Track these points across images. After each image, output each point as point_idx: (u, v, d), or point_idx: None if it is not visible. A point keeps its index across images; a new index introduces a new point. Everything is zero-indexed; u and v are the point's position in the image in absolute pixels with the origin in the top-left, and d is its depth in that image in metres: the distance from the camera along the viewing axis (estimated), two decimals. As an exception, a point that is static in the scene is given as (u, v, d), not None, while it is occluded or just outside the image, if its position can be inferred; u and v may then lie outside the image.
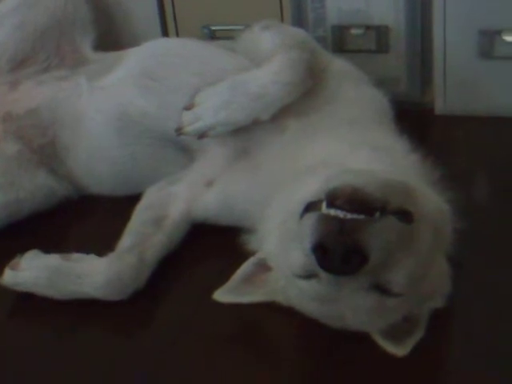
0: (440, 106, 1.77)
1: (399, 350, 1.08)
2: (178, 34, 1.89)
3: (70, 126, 1.52)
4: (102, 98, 1.49)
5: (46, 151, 1.53)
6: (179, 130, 1.33)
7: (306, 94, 1.30)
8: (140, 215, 1.38)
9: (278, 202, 1.17)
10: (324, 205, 0.99)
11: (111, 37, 1.81)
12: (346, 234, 0.95)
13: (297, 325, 1.14)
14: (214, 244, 1.35)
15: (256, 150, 1.34)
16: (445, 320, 1.13)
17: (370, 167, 1.13)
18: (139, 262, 1.26)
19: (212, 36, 1.84)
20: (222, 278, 1.20)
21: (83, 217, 1.52)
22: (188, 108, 1.33)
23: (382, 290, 1.01)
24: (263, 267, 1.18)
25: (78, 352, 1.17)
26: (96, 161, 1.50)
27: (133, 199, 1.41)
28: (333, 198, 0.98)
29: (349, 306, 1.03)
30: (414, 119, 1.57)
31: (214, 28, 1.84)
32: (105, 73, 1.53)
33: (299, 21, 1.77)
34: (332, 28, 1.77)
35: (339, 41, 1.77)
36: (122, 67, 1.52)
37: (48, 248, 1.29)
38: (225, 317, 1.19)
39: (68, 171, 1.53)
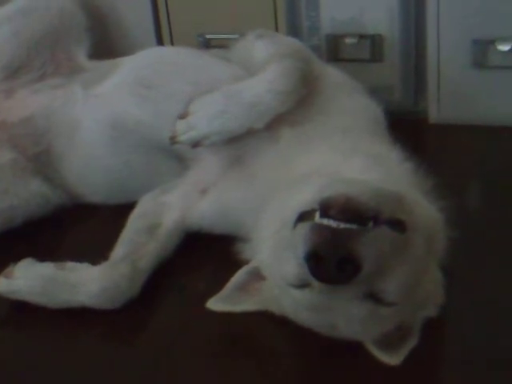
0: (434, 115, 1.78)
1: (392, 359, 1.08)
2: (172, 43, 1.89)
3: (64, 134, 1.52)
4: (96, 107, 1.50)
5: (40, 159, 1.53)
6: (173, 139, 1.33)
7: (300, 103, 1.30)
8: (134, 224, 1.38)
9: (271, 210, 1.17)
10: (317, 214, 0.99)
11: (106, 45, 1.81)
12: (340, 244, 0.95)
13: (292, 331, 1.14)
14: (207, 252, 1.35)
15: (250, 158, 1.34)
16: (438, 329, 1.13)
17: (364, 176, 1.13)
18: (133, 271, 1.26)
19: (207, 45, 1.84)
20: (216, 286, 1.20)
21: (77, 225, 1.52)
22: (182, 117, 1.32)
23: (375, 299, 1.01)
24: (257, 276, 1.18)
25: (71, 361, 1.17)
26: (90, 169, 1.50)
27: (127, 208, 1.41)
28: (326, 208, 0.98)
29: (342, 316, 1.03)
30: (408, 128, 1.57)
31: (208, 37, 1.84)
32: (99, 81, 1.53)
33: (294, 30, 1.78)
34: (326, 37, 1.78)
35: (333, 50, 1.78)
36: (116, 75, 1.52)
37: (42, 256, 1.29)
38: (219, 325, 1.19)
39: (62, 179, 1.53)
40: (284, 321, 1.13)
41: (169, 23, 1.87)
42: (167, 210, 1.38)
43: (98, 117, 1.49)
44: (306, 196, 1.05)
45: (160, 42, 1.90)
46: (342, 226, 0.96)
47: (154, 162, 1.45)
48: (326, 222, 0.97)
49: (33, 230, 1.47)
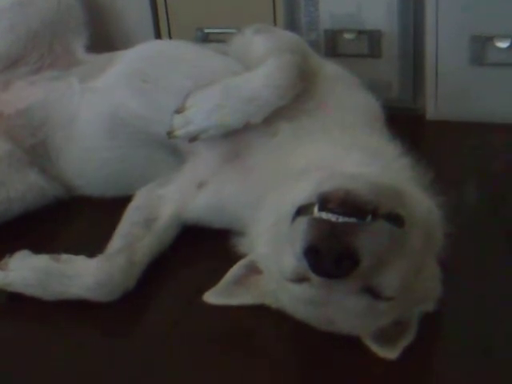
0: (431, 112, 1.78)
1: (389, 354, 1.08)
2: (171, 37, 1.88)
3: (61, 126, 1.51)
4: (94, 100, 1.50)
5: (37, 151, 1.53)
6: (170, 134, 1.33)
7: (297, 98, 1.30)
8: (130, 216, 1.37)
9: (269, 204, 1.16)
10: (316, 208, 0.99)
11: (104, 38, 1.81)
12: (338, 238, 0.95)
13: (287, 326, 1.14)
14: (204, 246, 1.35)
15: (247, 152, 1.33)
16: (435, 323, 1.13)
17: (362, 170, 1.13)
18: (129, 264, 1.26)
19: (205, 39, 1.84)
20: (213, 279, 1.20)
21: (73, 217, 1.52)
22: (179, 111, 1.32)
23: (373, 293, 1.01)
24: (254, 270, 1.18)
25: (67, 353, 1.17)
26: (87, 161, 1.50)
27: (123, 200, 1.41)
28: (325, 202, 0.98)
29: (339, 310, 1.03)
30: (406, 124, 1.57)
31: (207, 31, 1.84)
32: (97, 74, 1.53)
33: (292, 25, 1.78)
34: (325, 32, 1.78)
35: (332, 45, 1.78)
36: (114, 69, 1.52)
37: (38, 248, 1.29)
38: (214, 318, 1.19)
39: (59, 172, 1.53)
40: (280, 318, 1.13)
41: (167, 17, 1.87)
42: (164, 203, 1.38)
43: (95, 110, 1.48)
44: (304, 190, 1.05)
45: (158, 36, 1.89)
46: (341, 219, 0.95)
47: (151, 155, 1.45)
48: (324, 215, 0.97)
49: (29, 222, 1.46)
